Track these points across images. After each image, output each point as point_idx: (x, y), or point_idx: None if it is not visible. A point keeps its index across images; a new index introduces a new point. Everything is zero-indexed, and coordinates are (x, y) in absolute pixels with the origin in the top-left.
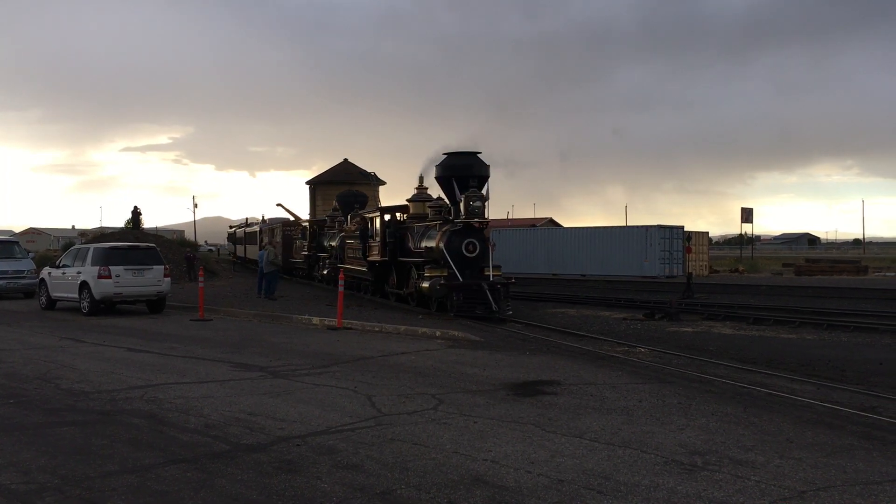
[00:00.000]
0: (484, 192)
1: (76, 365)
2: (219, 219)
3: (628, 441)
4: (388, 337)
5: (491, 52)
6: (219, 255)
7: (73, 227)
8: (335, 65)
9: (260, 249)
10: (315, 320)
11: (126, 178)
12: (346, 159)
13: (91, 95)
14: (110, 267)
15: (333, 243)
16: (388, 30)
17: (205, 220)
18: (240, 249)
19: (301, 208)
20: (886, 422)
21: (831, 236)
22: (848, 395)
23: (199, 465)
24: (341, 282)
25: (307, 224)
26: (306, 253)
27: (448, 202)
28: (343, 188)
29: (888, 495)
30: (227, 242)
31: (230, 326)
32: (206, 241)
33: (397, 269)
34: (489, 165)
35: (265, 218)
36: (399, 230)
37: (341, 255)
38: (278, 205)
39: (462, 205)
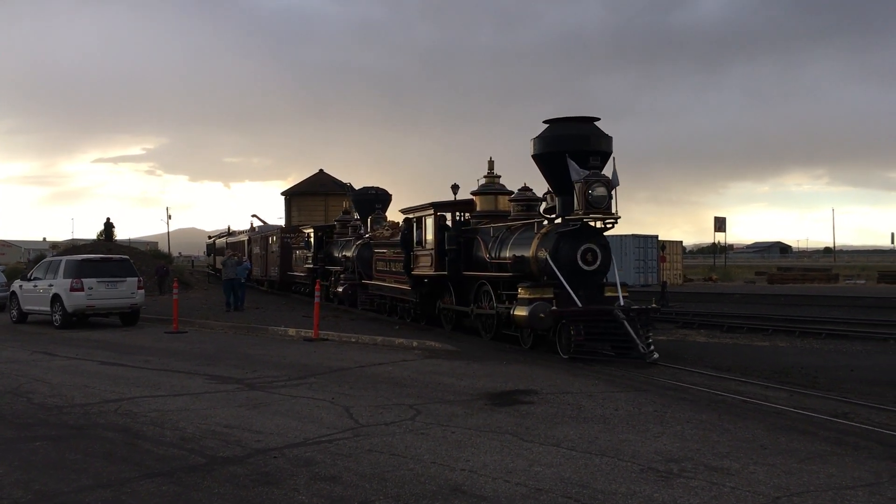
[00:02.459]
0: (606, 173)
1: (49, 379)
2: (193, 230)
3: (605, 449)
4: (365, 348)
5: (465, 62)
6: (193, 266)
7: (45, 239)
8: (310, 75)
9: (226, 259)
10: (291, 331)
11: (98, 189)
12: (321, 170)
13: (63, 106)
14: (83, 279)
15: (349, 253)
16: (363, 40)
17: (179, 231)
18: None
19: (276, 219)
20: (858, 427)
21: (803, 245)
22: (820, 402)
23: (175, 479)
24: (317, 292)
25: (311, 231)
26: (311, 265)
27: (551, 190)
28: (318, 199)
29: (860, 500)
30: (204, 254)
31: (205, 339)
32: (179, 253)
33: (458, 286)
34: (611, 138)
35: (254, 226)
36: (464, 234)
37: (364, 269)
38: (253, 216)
39: (577, 194)
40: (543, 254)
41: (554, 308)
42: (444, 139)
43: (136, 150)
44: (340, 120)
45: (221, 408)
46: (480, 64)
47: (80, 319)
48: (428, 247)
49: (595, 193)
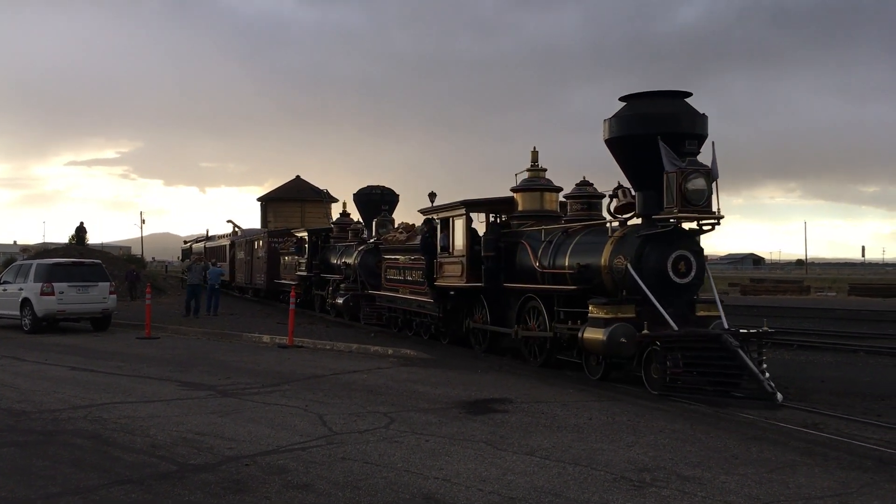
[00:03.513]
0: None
1: (17, 384)
2: (167, 235)
3: (578, 458)
4: (340, 355)
5: (444, 70)
6: (166, 271)
7: (15, 242)
8: (288, 81)
9: (191, 263)
10: (265, 338)
11: (71, 192)
12: (298, 176)
13: (35, 108)
14: (53, 283)
15: (350, 260)
16: (340, 47)
17: (153, 236)
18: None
19: (252, 225)
20: (827, 438)
21: (775, 256)
22: (791, 413)
23: (145, 486)
24: (293, 299)
25: (305, 234)
26: (304, 273)
27: (629, 184)
28: (295, 205)
29: None
30: (179, 259)
31: (178, 344)
32: (153, 258)
33: (495, 300)
34: (707, 117)
35: (237, 230)
36: (504, 239)
37: (368, 277)
38: (228, 221)
39: (669, 188)
40: (621, 262)
41: (645, 332)
42: (423, 147)
43: (110, 153)
44: (318, 126)
45: (193, 415)
46: (459, 72)
47: (50, 324)
48: (457, 253)
49: (693, 186)
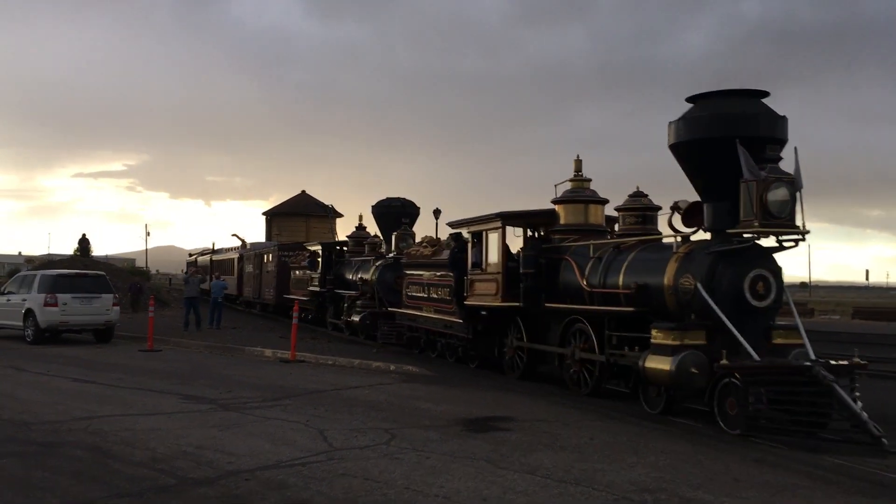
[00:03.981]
0: (782, 167)
1: (18, 395)
2: (172, 248)
3: (580, 478)
4: (342, 370)
5: (448, 88)
6: (170, 284)
7: (20, 253)
8: (294, 96)
9: (189, 276)
10: (268, 352)
11: (77, 204)
12: (303, 191)
13: (44, 120)
14: (57, 294)
15: (367, 275)
16: (347, 62)
17: (157, 248)
18: (182, 279)
19: (257, 240)
20: (829, 462)
21: None
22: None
23: (145, 500)
24: (295, 314)
25: (318, 248)
26: (317, 288)
27: (698, 195)
28: (300, 220)
29: None
30: (183, 272)
31: (180, 357)
32: (157, 270)
33: (533, 321)
34: (787, 119)
35: (246, 243)
36: (545, 254)
37: (387, 294)
38: (233, 235)
39: (747, 198)
40: (689, 282)
41: (724, 362)
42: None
43: (117, 165)
44: (323, 142)
45: (194, 428)
46: (464, 90)
47: (52, 335)
48: (491, 269)
49: (775, 197)
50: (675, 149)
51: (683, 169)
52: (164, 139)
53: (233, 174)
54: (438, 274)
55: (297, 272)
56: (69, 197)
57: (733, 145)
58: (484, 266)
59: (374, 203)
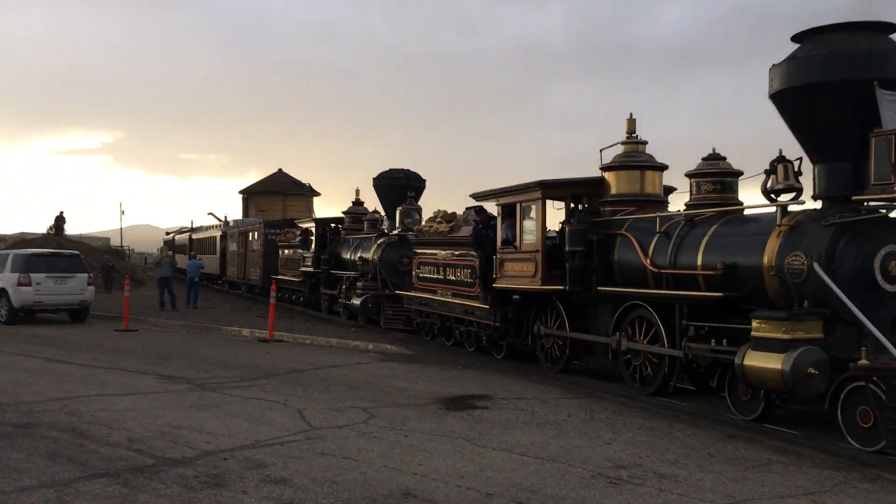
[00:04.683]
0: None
1: None
2: (147, 227)
3: (557, 455)
4: (320, 349)
5: (425, 66)
6: (146, 263)
7: None
8: (270, 73)
9: (161, 257)
10: (245, 332)
11: (51, 182)
12: (280, 169)
13: (16, 97)
14: (31, 274)
15: (367, 255)
16: (324, 40)
17: (132, 227)
18: (184, 261)
19: (234, 218)
20: (802, 437)
21: None
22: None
23: (122, 480)
24: (273, 292)
25: (312, 225)
26: (309, 268)
27: (811, 155)
28: (277, 198)
29: None
30: (159, 251)
31: (156, 337)
32: (132, 249)
33: (578, 307)
34: None
35: (228, 219)
36: (597, 229)
37: (391, 275)
38: (209, 213)
39: (877, 154)
40: (800, 261)
41: (863, 362)
42: (406, 142)
43: (91, 143)
44: (300, 120)
45: (171, 408)
46: (442, 67)
47: (26, 315)
48: (527, 248)
49: None
50: (780, 98)
51: (789, 123)
52: (137, 117)
53: (208, 151)
54: (457, 253)
55: (287, 251)
56: (43, 174)
57: (858, 91)
58: (519, 243)
59: (375, 175)
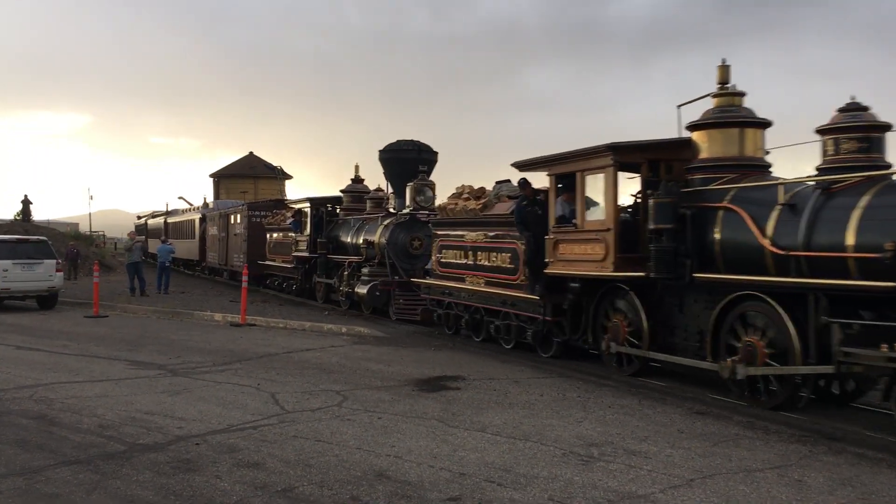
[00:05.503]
0: None
1: None
2: (116, 211)
3: (529, 434)
4: (293, 333)
5: (397, 47)
6: (115, 248)
7: None
8: (239, 56)
9: (132, 243)
10: (218, 316)
11: (16, 166)
12: (251, 152)
13: None
14: None
15: (374, 238)
16: (293, 22)
17: (102, 212)
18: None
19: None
20: (769, 413)
21: None
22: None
23: (93, 467)
24: (245, 276)
25: (304, 206)
26: (303, 253)
27: None
28: (248, 181)
29: (769, 481)
30: (128, 236)
31: (127, 323)
32: (103, 234)
33: (659, 297)
34: None
35: (208, 202)
36: (688, 201)
37: (401, 259)
38: (180, 198)
39: None
40: None
41: None
42: (378, 124)
43: (57, 127)
44: (271, 102)
45: (142, 394)
46: (414, 49)
47: None
48: (594, 226)
49: None
50: None
51: None
52: (105, 99)
53: (178, 135)
54: (492, 234)
55: (276, 234)
56: (8, 158)
57: None
58: (579, 221)
59: (381, 148)
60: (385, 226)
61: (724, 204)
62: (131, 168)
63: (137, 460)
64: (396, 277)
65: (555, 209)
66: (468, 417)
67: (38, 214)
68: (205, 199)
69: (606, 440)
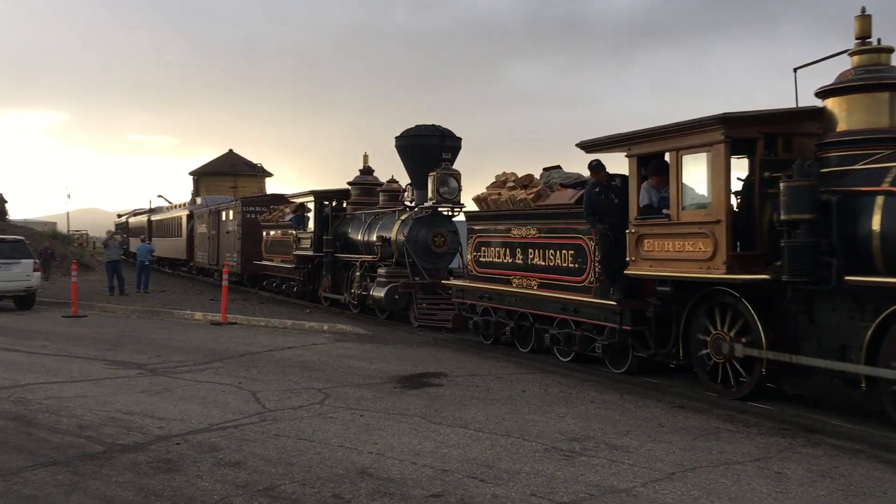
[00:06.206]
0: None
1: None
2: (94, 210)
3: (511, 430)
4: (275, 331)
5: (377, 44)
6: (94, 248)
7: None
8: (218, 52)
9: (108, 238)
10: (198, 315)
11: None
12: (231, 150)
13: None
14: None
15: (390, 234)
16: (272, 19)
17: (79, 211)
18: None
19: (184, 200)
20: (749, 406)
21: None
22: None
23: (72, 468)
24: (225, 275)
25: (308, 201)
26: (307, 252)
27: None
28: (228, 179)
29: (749, 474)
30: (106, 234)
31: (106, 323)
32: (83, 232)
33: (786, 306)
34: None
35: (196, 198)
36: (829, 185)
37: (423, 259)
38: (159, 196)
39: None
40: None
41: None
42: (359, 122)
43: (34, 125)
44: (251, 99)
45: (122, 394)
46: (394, 46)
47: None
48: (695, 216)
49: None
50: None
51: None
52: (82, 97)
53: (157, 132)
54: (547, 228)
55: (274, 232)
56: None
57: None
58: (673, 211)
59: (398, 134)
60: (403, 221)
61: (885, 187)
62: (109, 166)
63: (117, 461)
64: (417, 278)
65: (638, 197)
66: (450, 414)
67: (15, 214)
68: (192, 194)
69: (588, 435)
